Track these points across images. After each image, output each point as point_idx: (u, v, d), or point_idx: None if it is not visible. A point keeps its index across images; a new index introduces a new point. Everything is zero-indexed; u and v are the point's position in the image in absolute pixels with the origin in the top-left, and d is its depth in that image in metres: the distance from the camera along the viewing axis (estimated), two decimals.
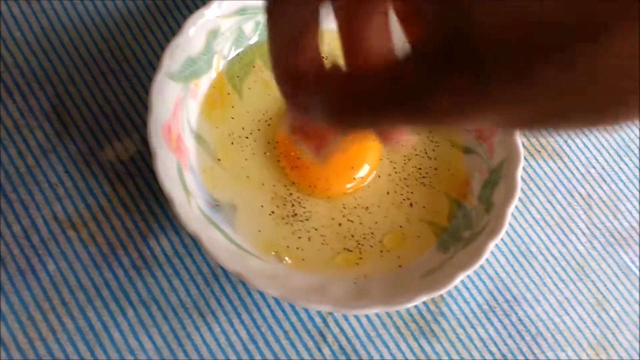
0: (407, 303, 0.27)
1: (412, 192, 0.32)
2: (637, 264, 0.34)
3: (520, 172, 0.30)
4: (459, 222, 0.31)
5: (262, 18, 0.32)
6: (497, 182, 0.31)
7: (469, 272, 0.27)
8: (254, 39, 0.33)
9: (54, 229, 0.28)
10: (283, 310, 0.29)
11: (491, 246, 0.28)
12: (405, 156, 0.32)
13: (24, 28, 0.32)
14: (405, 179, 0.32)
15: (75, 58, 0.32)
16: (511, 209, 0.29)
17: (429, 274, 0.28)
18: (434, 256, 0.30)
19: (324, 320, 0.29)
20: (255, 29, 0.33)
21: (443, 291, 0.27)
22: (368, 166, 0.31)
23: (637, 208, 0.36)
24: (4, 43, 0.31)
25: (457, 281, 0.27)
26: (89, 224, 0.29)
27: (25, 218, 0.28)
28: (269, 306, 0.29)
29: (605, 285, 0.33)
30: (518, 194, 0.29)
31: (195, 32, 0.30)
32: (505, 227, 0.29)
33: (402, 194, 0.31)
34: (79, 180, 0.29)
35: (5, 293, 0.27)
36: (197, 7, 0.34)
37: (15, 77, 0.31)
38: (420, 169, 0.32)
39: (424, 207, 0.31)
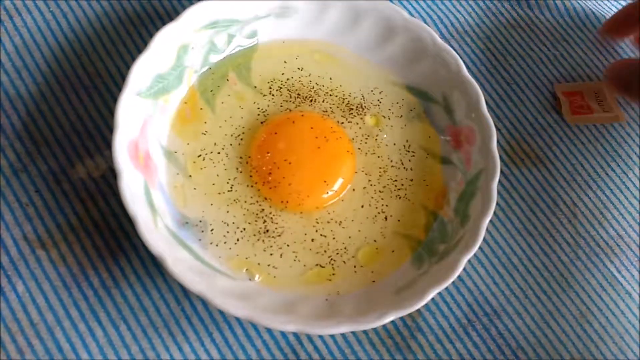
0: (376, 322, 0.26)
1: (387, 205, 0.31)
2: (623, 274, 0.33)
3: (496, 184, 0.29)
4: (434, 234, 0.30)
5: (233, 31, 0.32)
6: (473, 194, 0.30)
7: (442, 288, 0.27)
8: (226, 52, 0.32)
9: (24, 249, 0.28)
10: (255, 328, 0.29)
11: (465, 261, 0.28)
12: (380, 168, 0.32)
13: None
14: (380, 191, 0.31)
15: (48, 75, 0.32)
16: (486, 222, 0.28)
17: (402, 290, 0.28)
18: (408, 271, 0.29)
19: (297, 338, 0.29)
20: (227, 42, 0.32)
21: (414, 309, 0.26)
22: (342, 179, 0.31)
23: (624, 216, 0.35)
24: None
25: (429, 298, 0.27)
26: (59, 243, 0.29)
27: None
28: (241, 324, 0.29)
29: (589, 296, 0.33)
30: (494, 207, 0.29)
31: (163, 47, 0.29)
32: (480, 241, 0.28)
33: (377, 207, 0.31)
34: (50, 200, 0.29)
35: None
36: (170, 18, 0.34)
37: None
38: (396, 180, 0.32)
39: (399, 220, 0.31)
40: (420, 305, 0.26)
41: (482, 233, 0.28)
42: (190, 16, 0.30)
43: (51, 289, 0.28)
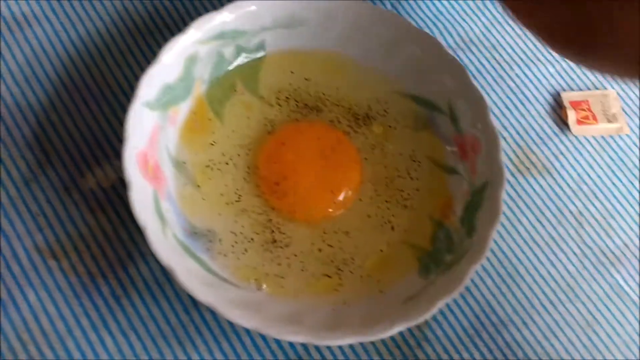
0: (384, 333, 0.26)
1: (393, 215, 0.31)
2: (630, 283, 0.34)
3: (503, 195, 0.29)
4: (441, 244, 0.30)
5: (241, 42, 0.32)
6: (479, 205, 0.30)
7: (449, 298, 0.27)
8: (234, 63, 0.33)
9: (35, 259, 0.29)
10: (264, 339, 0.29)
11: (472, 272, 0.28)
12: (387, 177, 0.32)
13: (7, 58, 0.32)
14: (387, 201, 0.32)
15: (58, 85, 0.32)
16: (493, 233, 0.29)
17: (409, 300, 0.28)
18: (415, 281, 0.29)
19: (305, 348, 0.29)
20: (235, 53, 0.32)
21: (422, 319, 0.27)
22: (349, 190, 0.31)
23: (630, 226, 0.35)
24: None
25: (437, 308, 0.27)
26: (69, 253, 0.29)
27: (6, 249, 0.29)
28: (249, 334, 0.29)
29: (595, 306, 0.33)
30: (500, 218, 0.29)
31: (171, 59, 0.30)
32: (487, 252, 0.28)
33: (383, 217, 0.31)
34: (60, 209, 0.30)
35: None
36: (178, 29, 0.34)
37: None
38: (402, 190, 0.32)
39: (405, 230, 0.31)
40: (427, 315, 0.27)
41: (489, 244, 0.28)
42: (198, 28, 0.30)
43: (62, 298, 0.28)
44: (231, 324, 0.29)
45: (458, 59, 0.33)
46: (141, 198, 0.27)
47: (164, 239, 0.27)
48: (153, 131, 0.29)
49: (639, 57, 0.24)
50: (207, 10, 0.35)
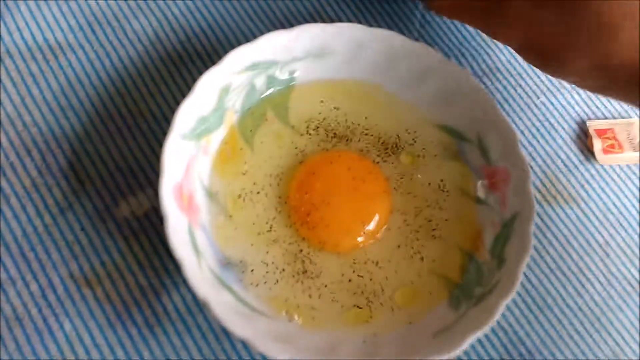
0: None
1: (423, 246, 0.31)
2: None
3: (532, 228, 0.30)
4: (471, 276, 0.31)
5: (272, 72, 0.33)
6: (509, 237, 0.30)
7: (480, 333, 0.27)
8: (265, 93, 0.33)
9: (71, 288, 0.29)
10: None
11: (503, 306, 0.28)
12: (416, 207, 0.32)
13: (43, 86, 0.33)
14: (416, 231, 0.32)
15: (92, 114, 0.33)
16: (523, 266, 0.29)
17: (440, 334, 0.28)
18: (445, 313, 0.29)
19: None
20: (266, 83, 0.33)
21: (453, 354, 0.27)
22: (379, 220, 0.31)
23: None
24: (22, 101, 0.32)
25: (467, 343, 0.27)
26: (103, 282, 0.29)
27: (42, 277, 0.29)
28: None
29: (622, 337, 0.33)
30: (530, 251, 0.29)
31: (206, 90, 0.30)
32: (517, 285, 0.28)
33: (412, 248, 0.31)
34: (95, 238, 0.30)
35: (24, 354, 0.27)
36: (210, 59, 0.35)
37: (33, 135, 0.32)
38: (430, 220, 0.32)
39: (434, 260, 0.31)
40: (458, 350, 0.27)
41: (519, 277, 0.29)
42: (232, 60, 0.31)
43: (97, 327, 0.29)
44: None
45: (485, 87, 0.33)
46: (177, 231, 0.27)
47: (200, 272, 0.27)
48: (188, 162, 0.29)
49: (521, 41, 0.29)
50: (237, 39, 0.36)
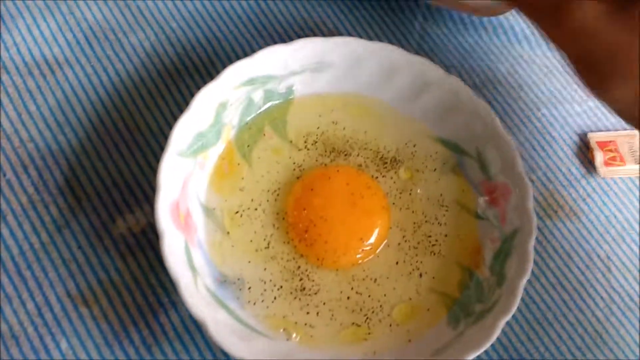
0: None
1: (421, 262, 0.31)
2: None
3: (533, 244, 0.29)
4: (470, 293, 0.30)
5: (270, 86, 0.32)
6: (509, 253, 0.30)
7: (479, 352, 0.27)
8: (263, 107, 0.33)
9: (67, 306, 0.29)
10: None
11: (502, 324, 0.28)
12: (415, 223, 0.32)
13: (40, 101, 0.33)
14: (415, 247, 0.32)
15: (89, 130, 0.32)
16: (523, 284, 0.29)
17: (439, 353, 0.28)
18: (444, 331, 0.29)
19: None
20: (264, 97, 0.33)
21: None
22: (377, 236, 0.31)
23: None
24: (19, 117, 0.32)
25: None
26: (101, 300, 0.29)
27: (39, 296, 0.29)
28: None
29: (623, 352, 0.32)
30: (531, 268, 0.29)
31: (204, 107, 0.30)
32: (517, 303, 0.28)
33: (411, 264, 0.31)
34: (92, 256, 0.30)
35: None
36: (208, 73, 0.35)
37: (30, 151, 0.32)
38: (430, 236, 0.32)
39: (433, 277, 0.31)
40: None
41: (520, 295, 0.28)
42: (229, 74, 0.30)
43: (94, 346, 0.28)
44: None
45: (485, 99, 0.33)
46: (173, 249, 0.27)
47: (196, 291, 0.27)
48: (185, 179, 0.29)
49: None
50: (235, 53, 0.36)
